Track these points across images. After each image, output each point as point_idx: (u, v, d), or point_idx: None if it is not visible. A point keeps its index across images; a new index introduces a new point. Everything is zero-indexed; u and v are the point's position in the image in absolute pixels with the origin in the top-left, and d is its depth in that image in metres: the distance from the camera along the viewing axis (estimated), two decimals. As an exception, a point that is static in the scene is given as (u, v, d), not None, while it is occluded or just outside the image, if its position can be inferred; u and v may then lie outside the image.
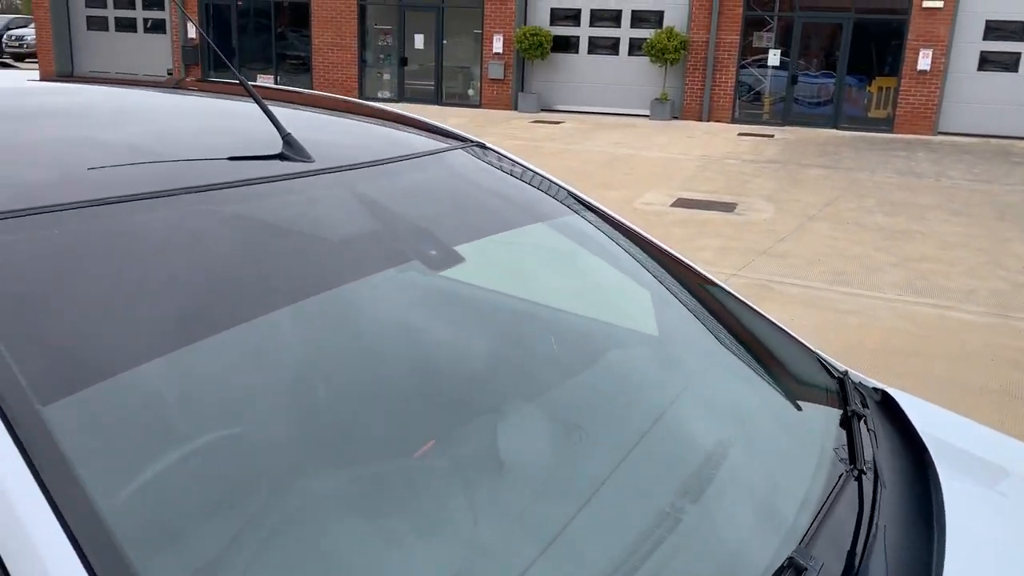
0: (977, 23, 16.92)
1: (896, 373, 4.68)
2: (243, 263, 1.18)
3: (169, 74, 22.50)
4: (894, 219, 9.00)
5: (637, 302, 1.77)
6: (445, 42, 20.17)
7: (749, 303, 1.90)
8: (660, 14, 18.57)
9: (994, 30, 16.89)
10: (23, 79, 1.89)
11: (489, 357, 1.40)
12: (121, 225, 1.10)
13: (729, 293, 1.89)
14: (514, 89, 19.64)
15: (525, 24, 19.34)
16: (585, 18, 19.10)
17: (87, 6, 23.14)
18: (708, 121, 18.36)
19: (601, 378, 1.48)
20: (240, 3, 21.48)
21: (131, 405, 0.92)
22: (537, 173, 1.97)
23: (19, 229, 1.01)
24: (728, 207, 9.31)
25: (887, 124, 17.61)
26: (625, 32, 18.92)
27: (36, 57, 26.43)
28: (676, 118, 18.61)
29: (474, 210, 1.63)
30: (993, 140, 16.76)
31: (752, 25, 18.05)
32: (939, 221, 8.96)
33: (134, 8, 22.71)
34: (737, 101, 18.36)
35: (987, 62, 17.09)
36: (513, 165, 1.96)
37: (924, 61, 17.05)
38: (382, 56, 20.85)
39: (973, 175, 12.24)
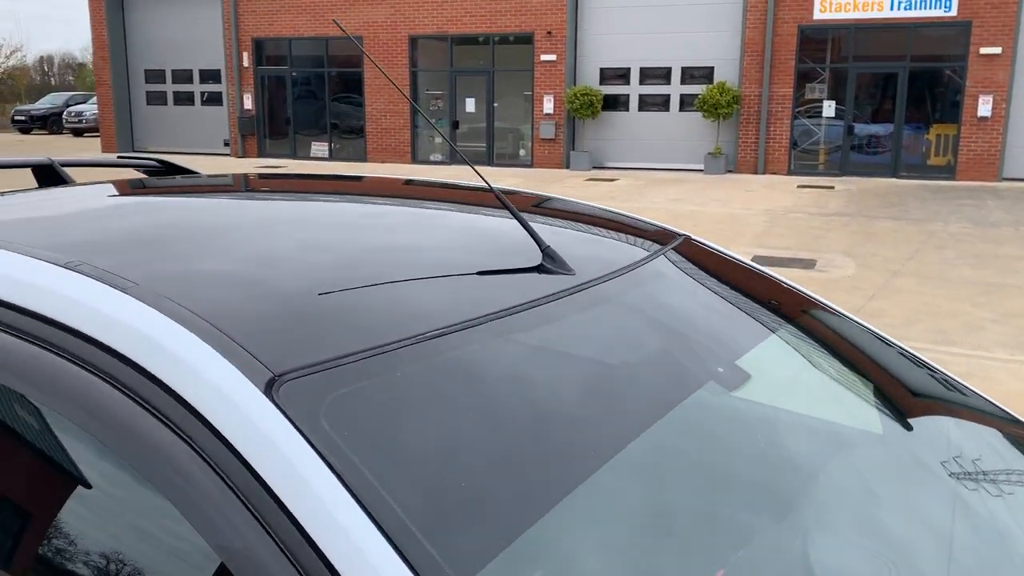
0: (1037, 67, 16.68)
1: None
2: (553, 398, 1.10)
3: (226, 144, 23.06)
4: (982, 272, 8.72)
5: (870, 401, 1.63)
6: (496, 104, 20.42)
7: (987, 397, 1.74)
8: (710, 69, 18.62)
9: (1055, 73, 16.63)
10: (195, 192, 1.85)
11: (799, 480, 1.28)
12: (441, 360, 1.07)
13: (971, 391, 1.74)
14: (565, 148, 19.74)
15: (575, 84, 19.50)
16: (635, 76, 19.22)
17: (147, 82, 23.90)
18: (764, 174, 18.22)
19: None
20: (295, 74, 22.02)
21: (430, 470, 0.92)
22: (753, 268, 1.86)
23: (374, 371, 1.00)
24: (808, 264, 9.11)
25: (949, 171, 17.31)
26: (675, 88, 18.98)
27: (96, 132, 27.32)
28: (730, 171, 18.51)
29: (724, 316, 1.53)
30: (1061, 184, 16.37)
31: (804, 77, 18.00)
32: (1030, 273, 8.66)
33: (191, 83, 23.40)
34: (792, 152, 18.23)
35: (1050, 106, 16.79)
36: (722, 258, 1.86)
37: (984, 107, 16.80)
38: (433, 120, 21.14)
39: (1050, 222, 11.90)
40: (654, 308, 1.42)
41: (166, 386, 0.94)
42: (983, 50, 16.61)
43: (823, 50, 17.88)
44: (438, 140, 21.17)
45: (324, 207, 1.67)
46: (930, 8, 16.84)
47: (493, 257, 1.39)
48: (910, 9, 16.95)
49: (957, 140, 17.19)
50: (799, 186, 16.27)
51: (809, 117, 18.14)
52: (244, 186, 2.00)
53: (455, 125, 20.79)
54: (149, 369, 0.96)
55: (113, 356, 0.99)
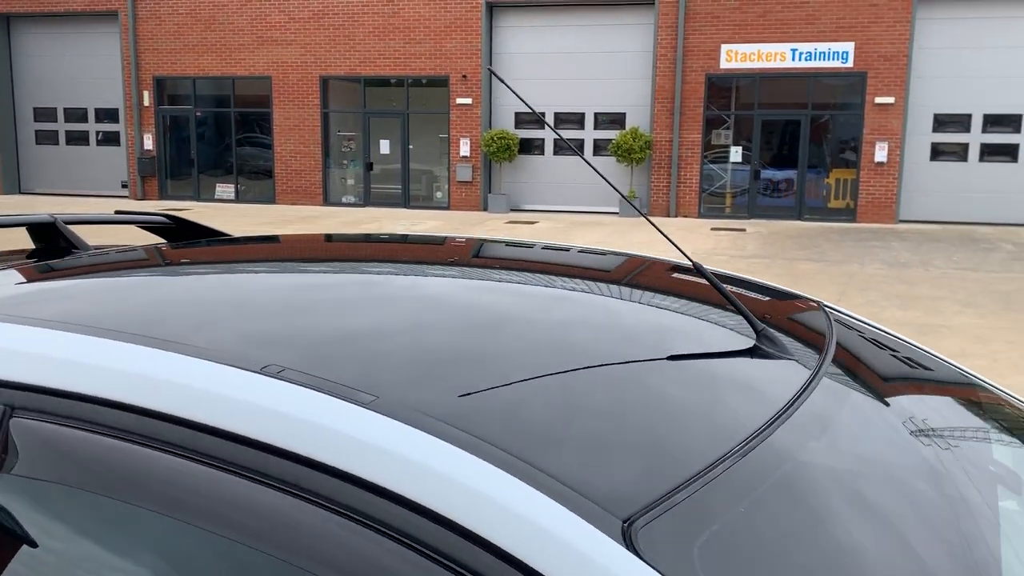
0: (926, 116, 17.79)
1: None
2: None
3: (124, 186, 22.04)
4: (910, 313, 9.08)
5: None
6: (411, 147, 20.27)
7: None
8: (623, 115, 19.05)
9: (943, 123, 17.76)
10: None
11: None
12: (771, 479, 0.92)
13: None
14: (483, 191, 19.74)
15: (491, 127, 19.59)
16: (549, 121, 19.47)
17: (36, 120, 22.67)
18: (676, 217, 18.68)
19: None
20: (199, 113, 21.31)
21: None
22: (895, 335, 1.77)
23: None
24: (747, 307, 9.28)
25: (849, 214, 18.17)
26: (589, 133, 19.32)
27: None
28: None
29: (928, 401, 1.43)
30: (951, 226, 17.41)
31: (712, 123, 18.64)
32: (954, 314, 9.07)
33: (86, 121, 22.33)
34: (702, 196, 18.77)
35: (938, 153, 17.90)
36: (865, 326, 1.77)
37: (880, 153, 17.77)
38: (346, 162, 20.81)
39: (955, 263, 12.57)
40: (885, 388, 1.32)
41: (498, 549, 0.75)
42: (878, 99, 17.60)
43: (729, 98, 18.58)
44: (350, 182, 20.83)
45: (479, 286, 1.48)
46: (828, 60, 17.76)
47: (703, 342, 1.26)
48: (810, 60, 17.84)
49: (856, 184, 18.09)
50: (712, 228, 16.73)
51: (717, 162, 18.75)
52: (349, 255, 1.78)
53: (369, 167, 20.52)
54: (473, 528, 0.76)
55: (407, 507, 0.79)
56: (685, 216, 18.70)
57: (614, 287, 1.55)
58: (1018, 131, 17.48)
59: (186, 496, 0.87)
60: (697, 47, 18.26)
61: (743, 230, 16.60)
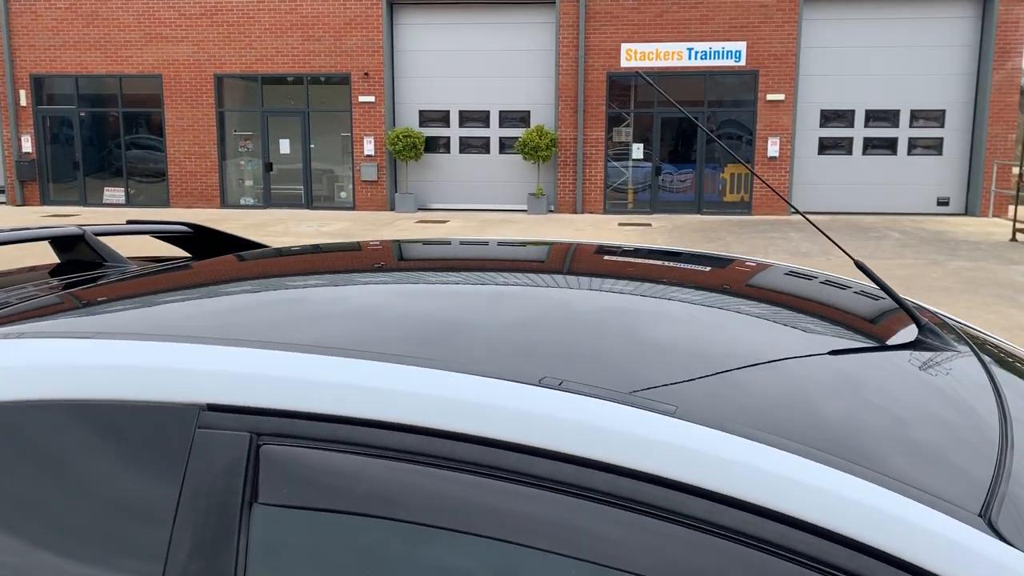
0: (814, 112, 18.71)
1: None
2: None
3: (0, 192, 20.67)
4: (824, 300, 9.54)
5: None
6: (313, 146, 19.84)
7: None
8: (527, 113, 19.21)
9: (829, 118, 18.72)
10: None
11: None
12: None
13: None
14: (389, 190, 19.53)
15: (395, 126, 19.39)
16: (455, 119, 19.43)
17: None
18: (583, 213, 18.99)
19: None
20: (83, 114, 20.21)
21: None
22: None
23: None
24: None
25: (745, 207, 18.91)
26: (495, 131, 19.39)
27: None
28: (551, 211, 19.12)
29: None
30: (840, 216, 18.37)
31: (614, 121, 19.03)
32: (863, 299, 9.59)
33: (-45, 122, 20.81)
34: (607, 192, 19.15)
35: (825, 147, 18.86)
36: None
37: (773, 148, 18.57)
38: (244, 163, 20.18)
39: (851, 251, 13.28)
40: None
41: None
42: (769, 96, 18.38)
43: (629, 96, 19.01)
44: (249, 183, 20.21)
45: (666, 291, 1.47)
46: (722, 59, 18.42)
47: (883, 337, 1.31)
48: (706, 59, 18.46)
49: (751, 178, 18.85)
50: (620, 224, 17.10)
51: (619, 159, 19.17)
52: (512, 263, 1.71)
53: (269, 167, 19.96)
54: (853, 535, 0.78)
55: (779, 520, 0.80)
56: (591, 212, 19.03)
57: (761, 290, 1.59)
58: (896, 126, 18.61)
59: (499, 515, 0.85)
60: (598, 46, 18.60)
61: (649, 224, 17.04)
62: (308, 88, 19.60)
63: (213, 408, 0.96)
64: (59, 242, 2.12)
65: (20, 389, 1.02)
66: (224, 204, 20.05)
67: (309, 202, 19.91)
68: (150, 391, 0.99)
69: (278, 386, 0.97)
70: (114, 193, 20.42)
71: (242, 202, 20.17)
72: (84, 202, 20.39)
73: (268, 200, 20.01)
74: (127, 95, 20.04)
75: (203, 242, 2.48)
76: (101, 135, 20.33)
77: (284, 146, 19.88)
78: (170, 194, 20.10)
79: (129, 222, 2.49)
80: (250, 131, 19.97)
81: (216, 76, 19.55)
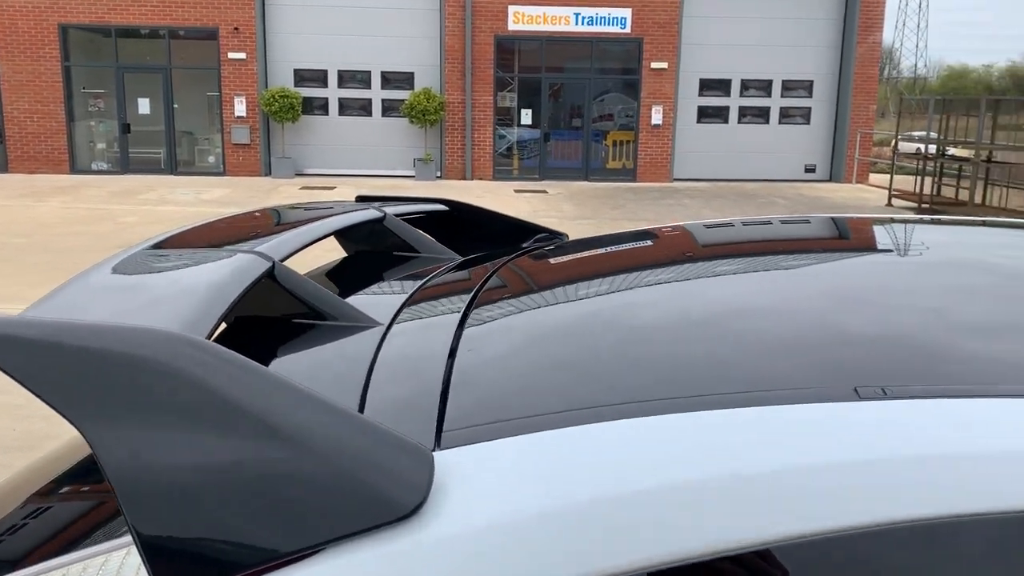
0: (693, 81, 19.10)
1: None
2: None
3: None
4: (760, 267, 9.70)
5: None
6: (176, 106, 18.24)
7: None
8: (411, 75, 18.48)
9: (707, 87, 19.18)
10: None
11: None
12: None
13: None
14: (263, 154, 18.30)
15: (268, 86, 18.13)
16: (333, 79, 18.41)
17: None
18: (472, 179, 18.57)
19: None
20: None
21: None
22: None
23: None
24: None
25: (629, 174, 19.13)
26: (376, 93, 18.55)
27: None
28: (439, 177, 18.58)
29: None
30: (720, 183, 18.93)
31: (502, 85, 18.66)
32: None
33: None
34: (495, 159, 18.81)
35: (704, 115, 19.33)
36: None
37: (657, 116, 18.83)
38: (95, 123, 18.29)
39: (747, 216, 13.67)
40: None
41: None
42: (653, 64, 18.58)
43: (516, 60, 18.68)
44: (102, 146, 18.35)
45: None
46: (608, 25, 18.42)
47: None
48: (592, 25, 18.39)
49: (636, 146, 19.06)
50: (516, 191, 16.83)
51: (505, 125, 18.84)
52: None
53: (126, 128, 18.18)
54: None
55: None
56: (481, 179, 18.64)
57: (891, 252, 1.40)
58: (770, 95, 19.33)
59: None
60: (485, 7, 18.10)
61: (545, 192, 16.87)
62: (170, 43, 17.95)
63: None
64: (349, 228, 1.59)
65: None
66: (74, 170, 18.12)
67: (173, 167, 18.33)
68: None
69: None
70: (-61, 156, 17.97)
71: (95, 167, 18.31)
72: (-99, 166, 17.85)
73: (126, 165, 18.27)
74: (-48, 44, 17.61)
75: (454, 224, 1.97)
76: (-80, 89, 17.79)
77: (143, 106, 18.16)
78: (8, 158, 17.94)
79: (359, 199, 1.95)
80: (103, 89, 18.08)
81: (61, 26, 17.52)
